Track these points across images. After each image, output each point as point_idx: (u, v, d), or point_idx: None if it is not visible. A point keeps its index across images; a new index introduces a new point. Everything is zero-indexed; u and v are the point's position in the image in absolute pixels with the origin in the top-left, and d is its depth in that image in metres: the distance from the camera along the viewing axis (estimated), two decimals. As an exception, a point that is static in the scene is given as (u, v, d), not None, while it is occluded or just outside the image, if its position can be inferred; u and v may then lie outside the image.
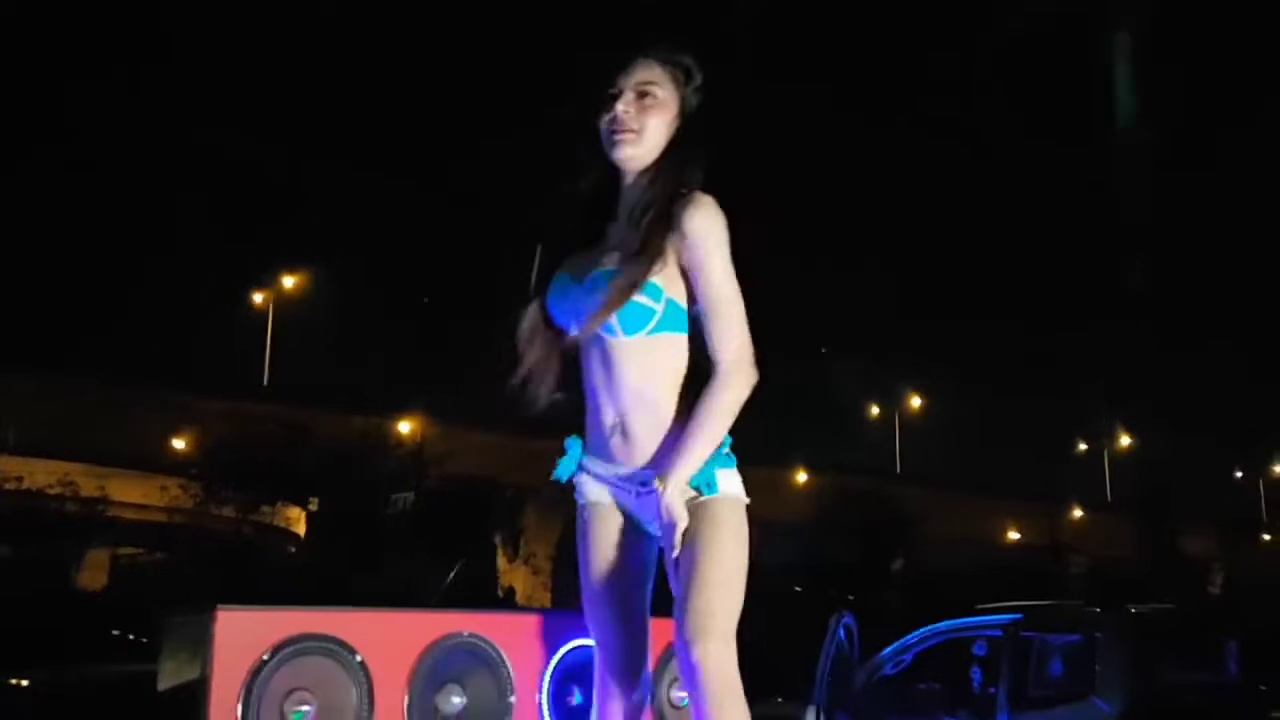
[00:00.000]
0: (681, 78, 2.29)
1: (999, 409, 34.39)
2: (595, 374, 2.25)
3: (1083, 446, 39.59)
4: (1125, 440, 37.68)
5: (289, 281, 30.21)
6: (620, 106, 2.23)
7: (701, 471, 2.19)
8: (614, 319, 2.16)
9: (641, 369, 2.20)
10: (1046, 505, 31.87)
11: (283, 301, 30.37)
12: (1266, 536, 38.25)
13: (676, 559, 2.19)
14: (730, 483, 2.23)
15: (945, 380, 36.04)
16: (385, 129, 34.04)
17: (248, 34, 34.51)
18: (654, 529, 2.29)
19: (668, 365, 2.22)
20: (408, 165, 32.33)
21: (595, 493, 2.33)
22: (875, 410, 38.28)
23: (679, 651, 2.15)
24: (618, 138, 2.22)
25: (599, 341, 2.21)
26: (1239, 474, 42.26)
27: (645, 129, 2.23)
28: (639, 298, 2.15)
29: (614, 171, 2.29)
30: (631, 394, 2.21)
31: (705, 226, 2.17)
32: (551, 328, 2.29)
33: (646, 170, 2.25)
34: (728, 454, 2.24)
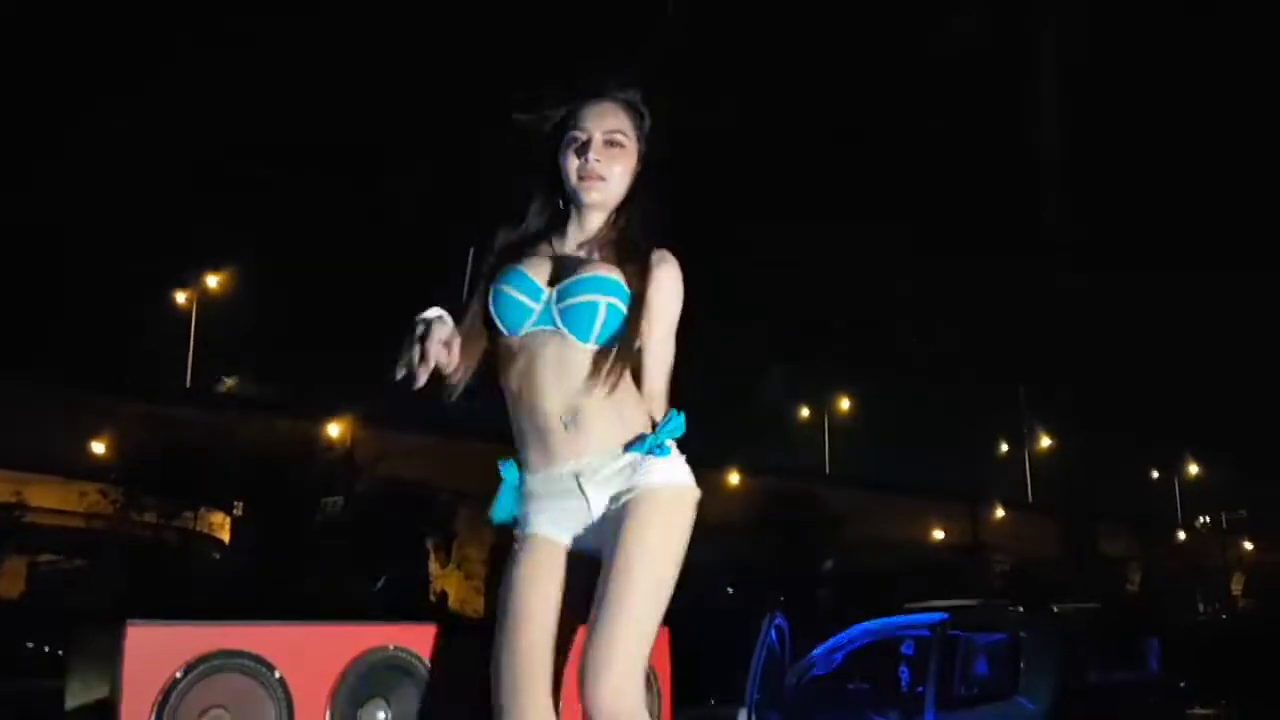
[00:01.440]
0: (641, 124, 2.42)
1: (924, 410, 34.92)
2: (537, 370, 2.28)
3: (1004, 447, 40.38)
4: (1045, 441, 38.52)
5: (212, 281, 29.63)
6: (592, 155, 2.34)
7: (661, 429, 2.29)
8: (583, 323, 2.27)
9: (582, 373, 2.29)
10: (970, 505, 32.46)
11: (205, 301, 29.77)
12: (1181, 535, 39.37)
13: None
14: (677, 467, 2.29)
15: (873, 382, 36.53)
16: (317, 127, 33.55)
17: (176, 24, 33.82)
18: (591, 538, 2.27)
19: (608, 370, 2.30)
20: (340, 164, 31.87)
21: (535, 523, 2.32)
22: (805, 412, 38.65)
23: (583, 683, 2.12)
24: (587, 184, 2.35)
25: (553, 340, 2.28)
26: (1155, 474, 43.43)
27: (612, 177, 2.36)
28: (612, 305, 2.29)
29: (560, 201, 2.41)
30: (582, 389, 2.27)
31: (677, 290, 2.38)
32: (487, 326, 2.35)
33: (609, 213, 2.39)
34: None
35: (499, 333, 2.33)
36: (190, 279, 29.45)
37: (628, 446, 2.28)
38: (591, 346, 2.28)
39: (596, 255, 2.36)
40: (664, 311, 2.36)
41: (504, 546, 2.43)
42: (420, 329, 2.18)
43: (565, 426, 2.26)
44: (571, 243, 2.40)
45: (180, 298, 29.73)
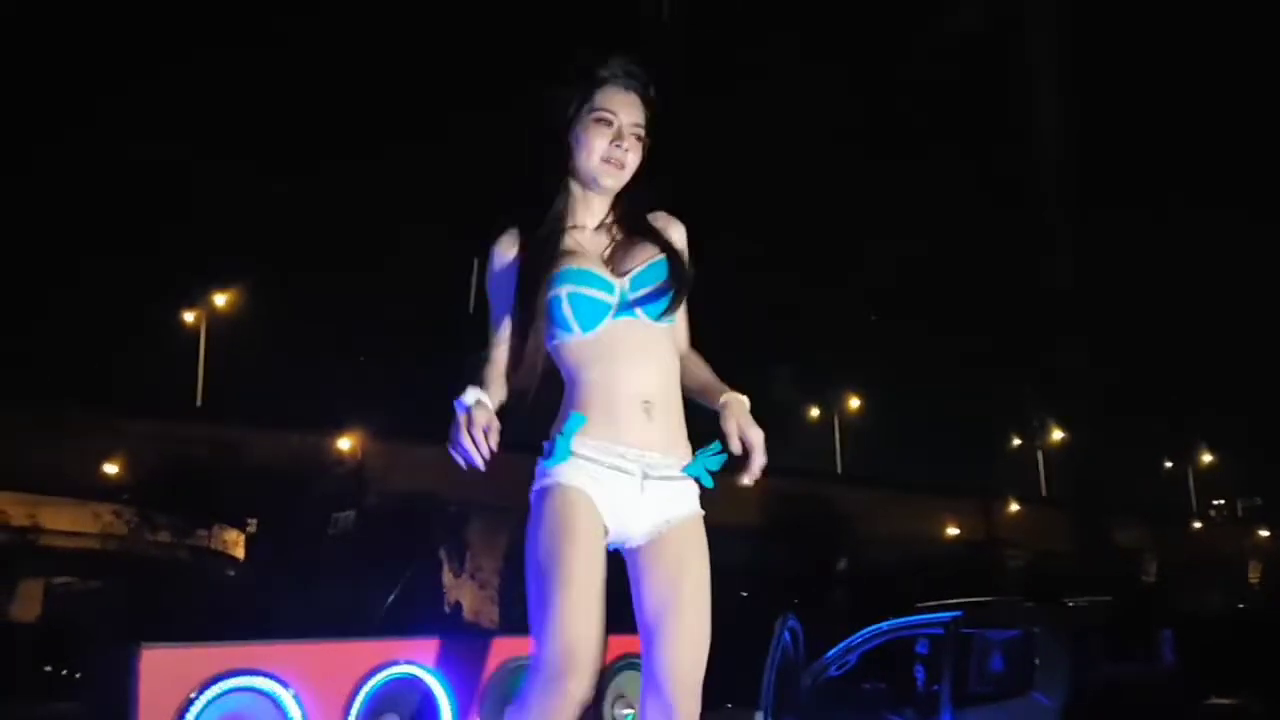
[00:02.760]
0: (653, 114, 2.45)
1: (934, 407, 34.83)
2: (620, 356, 2.33)
3: (1016, 442, 40.25)
4: (1058, 434, 38.39)
5: (220, 300, 29.69)
6: (624, 146, 2.38)
7: (698, 457, 2.39)
8: (664, 304, 2.36)
9: (671, 351, 2.41)
10: (983, 501, 32.36)
11: (215, 320, 29.84)
12: (1197, 524, 39.19)
13: (660, 591, 2.27)
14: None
15: (882, 380, 36.45)
16: (321, 144, 33.59)
17: (177, 41, 33.92)
18: (631, 529, 2.32)
19: (673, 347, 2.44)
20: (344, 180, 31.92)
21: (576, 477, 2.31)
22: (815, 412, 38.58)
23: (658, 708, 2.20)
24: (610, 169, 2.39)
25: (631, 326, 2.34)
26: (1169, 463, 43.25)
27: (630, 168, 2.42)
28: (681, 288, 2.39)
29: (561, 178, 2.43)
30: (665, 374, 2.37)
31: (685, 243, 2.47)
32: (542, 326, 2.36)
33: (612, 197, 2.45)
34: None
35: (568, 332, 2.34)
36: (198, 297, 29.55)
37: (684, 467, 2.37)
38: (666, 326, 2.39)
39: (620, 236, 2.42)
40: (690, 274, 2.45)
41: (518, 556, 2.44)
42: (464, 418, 2.21)
43: (647, 412, 2.32)
44: (589, 225, 2.43)
45: (189, 317, 29.83)
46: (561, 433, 2.31)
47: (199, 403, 29.37)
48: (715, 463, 2.38)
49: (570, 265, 2.35)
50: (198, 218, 31.60)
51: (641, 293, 2.35)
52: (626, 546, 2.36)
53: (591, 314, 2.33)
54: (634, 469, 2.32)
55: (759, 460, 2.34)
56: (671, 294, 2.36)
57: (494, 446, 2.24)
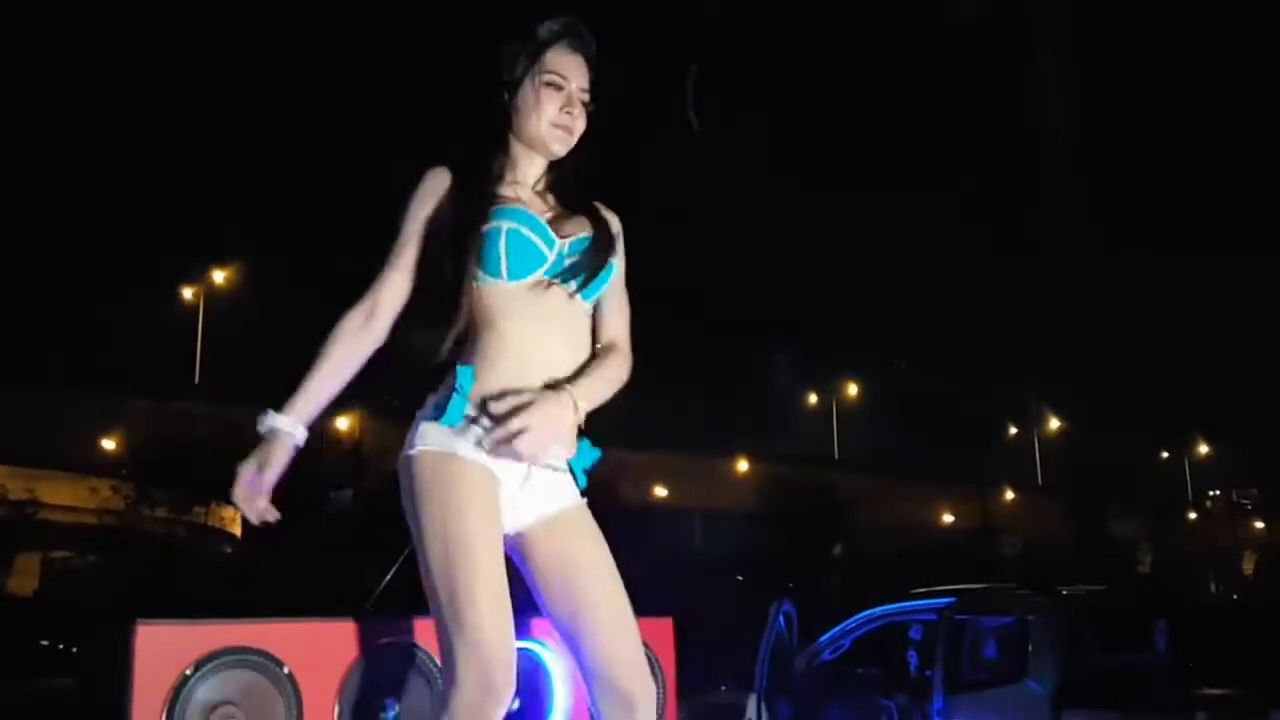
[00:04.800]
0: (595, 77, 2.31)
1: (932, 394, 34.87)
2: (539, 319, 2.17)
3: (1013, 430, 40.32)
4: (1054, 423, 38.44)
5: (219, 276, 29.67)
6: (575, 110, 2.26)
7: (584, 451, 2.21)
8: (596, 282, 2.22)
9: (586, 332, 2.25)
10: (979, 489, 32.44)
11: (213, 296, 29.83)
12: (1193, 515, 39.28)
13: (569, 581, 2.15)
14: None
15: (880, 367, 36.48)
16: (319, 121, 33.53)
17: (175, 24, 33.77)
18: (518, 517, 2.18)
19: (590, 334, 2.29)
20: (343, 157, 31.87)
21: (476, 451, 2.11)
22: (813, 398, 38.63)
23: (615, 702, 2.12)
24: (559, 134, 2.25)
25: (558, 293, 2.19)
26: (1165, 454, 43.32)
27: (577, 133, 2.28)
28: (615, 265, 2.28)
29: (502, 136, 2.29)
30: (578, 353, 2.21)
31: (620, 234, 2.34)
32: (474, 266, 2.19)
33: (548, 162, 2.31)
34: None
35: (493, 275, 2.16)
36: (197, 274, 29.53)
37: (570, 459, 2.20)
38: (590, 306, 2.25)
39: (557, 205, 2.28)
40: (622, 263, 2.32)
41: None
42: (244, 487, 2.21)
43: (555, 388, 2.13)
44: (527, 185, 2.29)
45: (187, 293, 29.81)
46: (456, 390, 2.11)
47: (196, 379, 29.39)
48: (590, 459, 2.22)
49: (516, 206, 2.21)
50: (196, 196, 31.54)
51: (578, 258, 2.20)
52: (506, 531, 2.16)
53: (526, 260, 2.16)
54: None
55: (499, 430, 2.07)
56: (604, 271, 2.22)
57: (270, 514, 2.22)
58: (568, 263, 2.20)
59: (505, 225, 2.17)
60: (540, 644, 3.07)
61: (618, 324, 2.31)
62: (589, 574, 2.17)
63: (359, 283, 2.35)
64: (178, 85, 31.81)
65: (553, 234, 2.21)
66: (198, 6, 33.21)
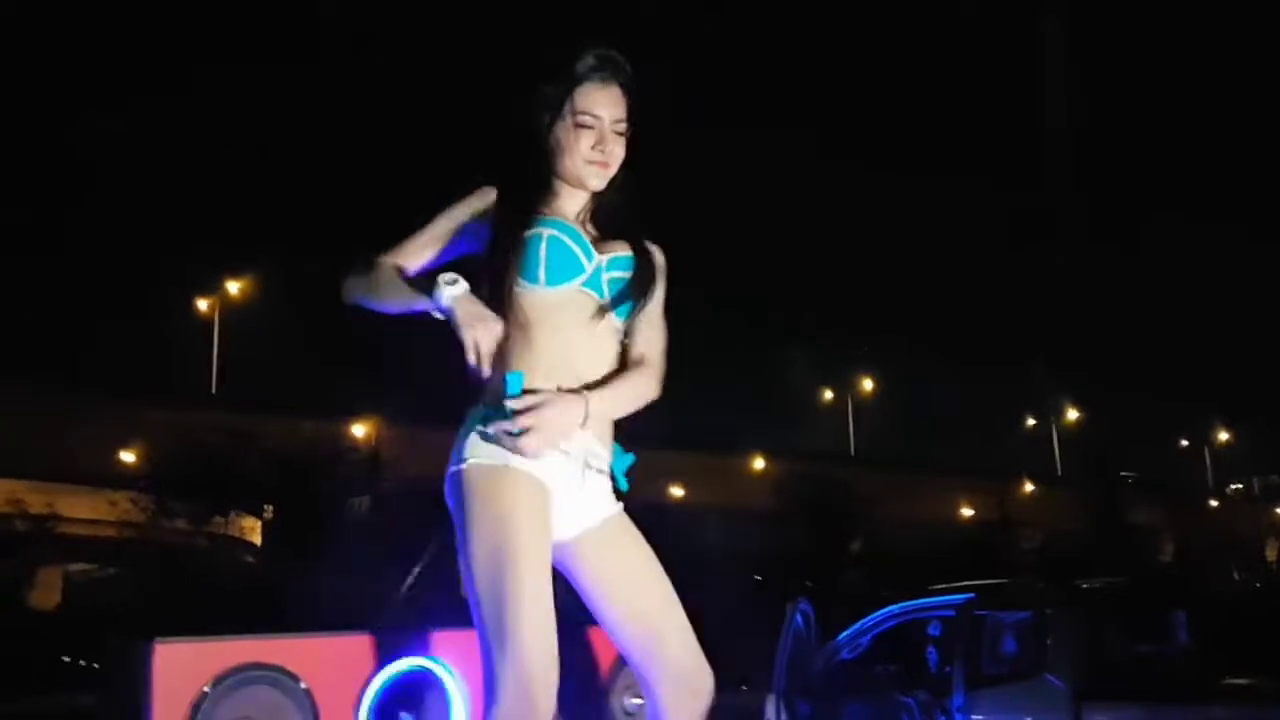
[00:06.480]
0: (635, 109, 2.35)
1: (948, 388, 34.77)
2: (577, 327, 2.23)
3: (1031, 422, 40.12)
4: (1073, 414, 38.23)
5: (234, 287, 29.78)
6: (609, 146, 2.29)
7: (618, 455, 2.28)
8: (631, 300, 2.28)
9: (615, 349, 2.30)
10: (997, 482, 32.29)
11: (229, 308, 29.94)
12: (1214, 503, 39.03)
13: (615, 588, 2.22)
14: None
15: (895, 362, 36.38)
16: (340, 131, 33.65)
17: (209, 40, 33.96)
18: (568, 522, 2.23)
19: (620, 353, 2.33)
20: (355, 167, 31.98)
21: (524, 462, 2.16)
22: (829, 394, 38.52)
23: (679, 699, 2.18)
24: (596, 169, 2.30)
25: (594, 305, 2.24)
26: (1184, 442, 43.06)
27: (615, 165, 2.32)
28: (655, 287, 2.34)
29: (545, 170, 2.34)
30: (611, 364, 2.28)
31: (664, 265, 2.40)
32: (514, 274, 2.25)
33: (601, 190, 2.35)
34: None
35: (531, 281, 2.21)
36: (211, 285, 29.64)
37: (611, 462, 2.29)
38: (622, 324, 2.29)
39: (599, 231, 2.34)
40: (662, 291, 2.38)
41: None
42: (472, 335, 2.10)
43: (574, 391, 2.19)
44: (570, 215, 2.34)
45: (202, 304, 29.93)
46: (507, 397, 2.11)
47: (214, 390, 29.50)
48: (625, 463, 2.29)
49: (556, 219, 2.28)
50: (212, 205, 31.69)
51: (616, 274, 2.27)
52: (556, 540, 2.19)
53: (564, 268, 2.22)
54: (577, 455, 2.21)
55: (518, 419, 2.11)
56: (641, 292, 2.29)
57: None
58: (605, 277, 2.26)
59: (547, 232, 2.23)
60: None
61: (652, 343, 2.34)
62: (653, 575, 2.26)
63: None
64: (199, 97, 31.96)
65: (593, 249, 2.28)
66: (210, 11, 33.35)
